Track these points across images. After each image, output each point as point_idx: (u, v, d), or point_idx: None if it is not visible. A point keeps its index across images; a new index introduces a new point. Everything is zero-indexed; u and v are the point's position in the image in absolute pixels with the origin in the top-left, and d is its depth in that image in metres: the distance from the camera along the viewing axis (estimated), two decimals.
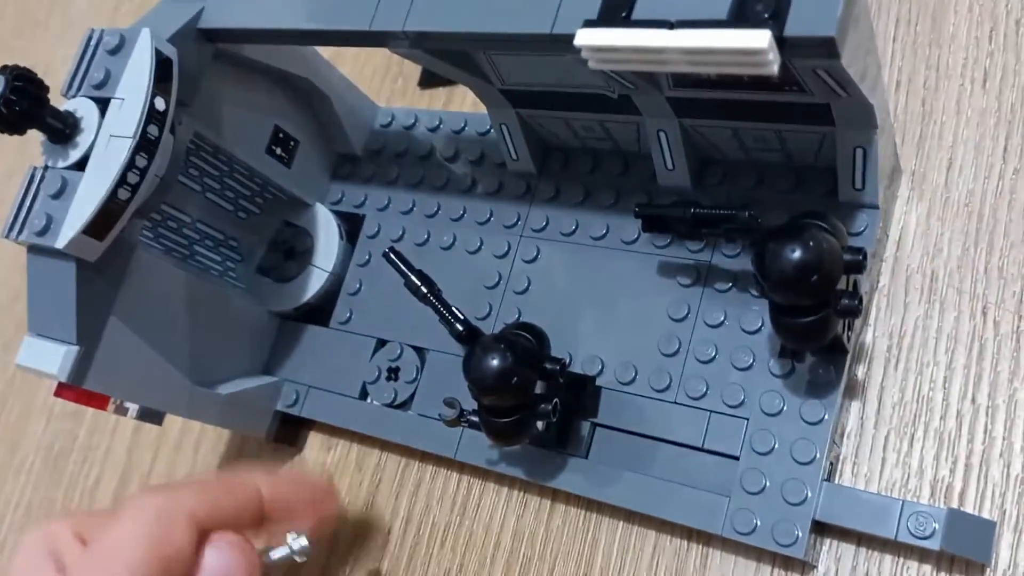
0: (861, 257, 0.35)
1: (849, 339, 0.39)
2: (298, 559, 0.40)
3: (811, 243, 0.34)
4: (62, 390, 0.41)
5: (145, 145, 0.40)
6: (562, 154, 0.50)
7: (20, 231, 0.40)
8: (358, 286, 0.53)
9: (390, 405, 0.49)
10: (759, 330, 0.42)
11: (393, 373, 0.50)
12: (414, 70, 0.61)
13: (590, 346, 0.45)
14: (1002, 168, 0.44)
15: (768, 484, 0.39)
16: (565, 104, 0.46)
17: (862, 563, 0.39)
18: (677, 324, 0.44)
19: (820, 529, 0.39)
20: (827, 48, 0.30)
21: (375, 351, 0.51)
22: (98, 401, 0.42)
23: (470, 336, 0.42)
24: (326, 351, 0.52)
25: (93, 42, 0.43)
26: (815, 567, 0.40)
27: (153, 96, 0.40)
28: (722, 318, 0.43)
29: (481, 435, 0.42)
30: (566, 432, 0.44)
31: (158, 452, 0.59)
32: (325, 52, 0.53)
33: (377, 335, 0.51)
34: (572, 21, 0.35)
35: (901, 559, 0.39)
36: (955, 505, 0.39)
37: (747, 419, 0.41)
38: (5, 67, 0.39)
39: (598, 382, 0.44)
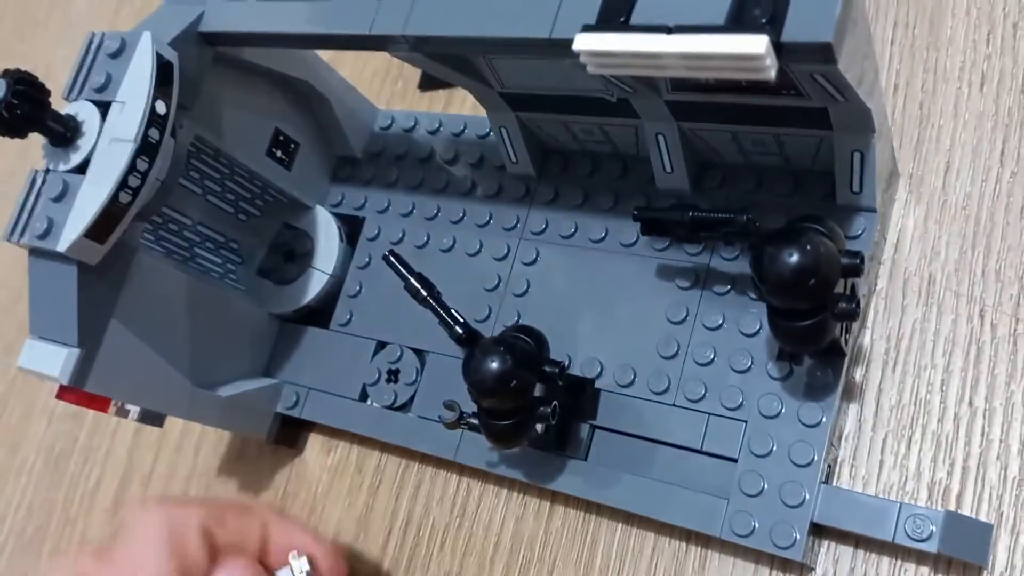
0: (859, 261, 0.35)
1: (847, 342, 0.40)
2: None
3: (808, 247, 0.34)
4: (63, 393, 0.41)
5: (146, 149, 0.40)
6: (561, 157, 0.50)
7: (21, 234, 0.41)
8: (358, 288, 0.53)
9: (390, 407, 0.49)
10: (757, 333, 0.42)
11: (393, 375, 0.50)
12: (414, 72, 0.61)
13: (589, 348, 0.45)
14: (999, 171, 0.44)
15: (766, 486, 0.39)
16: (564, 107, 0.46)
17: (860, 565, 0.39)
18: (676, 327, 0.44)
19: (818, 531, 0.40)
20: (824, 53, 0.31)
21: (375, 353, 0.51)
22: (99, 403, 0.42)
23: (470, 339, 0.42)
24: (326, 353, 0.52)
25: (94, 45, 0.43)
26: (813, 569, 0.40)
27: (154, 100, 0.40)
28: (720, 321, 0.43)
29: (481, 437, 0.42)
30: (565, 434, 0.44)
31: (159, 454, 0.59)
32: (325, 55, 0.53)
33: (377, 337, 0.51)
34: (571, 26, 0.35)
35: (899, 561, 0.39)
36: (952, 508, 0.39)
37: (745, 421, 0.41)
38: (7, 71, 0.39)
39: (597, 384, 0.44)
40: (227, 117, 0.49)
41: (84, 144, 0.41)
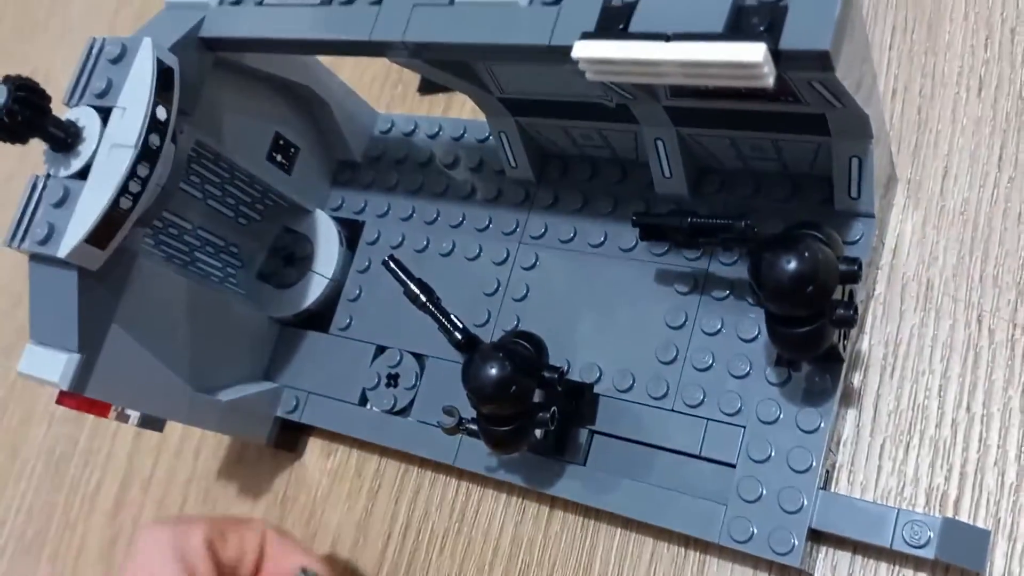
0: (856, 267, 0.35)
1: (845, 348, 0.40)
2: None
3: (806, 254, 0.34)
4: (64, 398, 0.41)
5: (147, 154, 0.40)
6: (560, 162, 0.50)
7: (22, 240, 0.41)
8: (358, 292, 0.53)
9: (389, 411, 0.49)
10: (756, 338, 0.42)
11: (393, 379, 0.50)
12: (413, 76, 0.62)
13: (588, 353, 0.46)
14: (997, 176, 0.44)
15: (764, 492, 0.39)
16: (563, 112, 0.46)
17: (858, 571, 0.40)
18: (675, 332, 0.44)
19: (816, 537, 0.40)
20: (821, 61, 0.31)
21: (375, 357, 0.51)
22: (99, 408, 0.42)
23: (469, 344, 0.42)
24: (326, 357, 0.52)
25: (95, 51, 0.43)
26: (811, 575, 0.40)
27: (155, 105, 0.40)
28: (719, 326, 0.43)
29: (480, 442, 0.42)
30: (564, 439, 0.44)
31: (159, 457, 0.59)
32: (325, 59, 0.53)
33: (377, 341, 0.51)
34: (570, 33, 0.35)
35: (896, 567, 0.39)
36: (950, 513, 0.39)
37: (744, 427, 0.41)
38: (7, 77, 0.39)
39: (596, 389, 0.45)
40: (227, 122, 0.49)
41: (85, 150, 0.41)
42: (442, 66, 0.43)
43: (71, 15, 0.83)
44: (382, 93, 0.62)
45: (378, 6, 0.40)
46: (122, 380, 0.43)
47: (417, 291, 0.43)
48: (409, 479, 0.50)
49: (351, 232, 0.55)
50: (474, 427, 0.41)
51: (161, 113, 0.41)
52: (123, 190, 0.39)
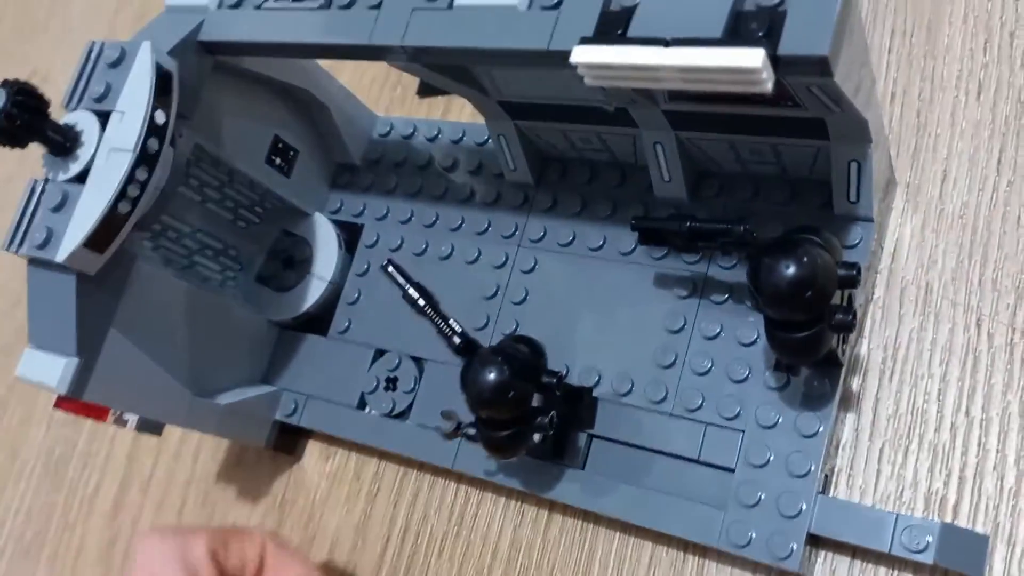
0: (855, 272, 0.35)
1: (844, 352, 0.40)
2: None
3: (805, 259, 0.34)
4: (62, 402, 0.41)
5: (145, 158, 0.40)
6: (559, 165, 0.50)
7: (21, 244, 0.41)
8: (357, 295, 0.53)
9: (388, 415, 0.49)
10: (755, 342, 0.42)
11: (391, 383, 0.50)
12: (413, 79, 0.61)
13: (587, 357, 0.46)
14: (996, 180, 0.44)
15: (763, 497, 0.39)
16: (562, 116, 0.46)
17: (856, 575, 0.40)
18: (673, 336, 0.44)
19: (815, 542, 0.40)
20: (820, 67, 0.31)
21: (373, 361, 0.51)
22: (97, 413, 0.42)
23: (467, 349, 0.42)
24: (325, 360, 0.52)
25: (94, 55, 0.43)
26: None
27: (153, 109, 0.40)
28: (718, 330, 0.43)
29: (479, 446, 0.42)
30: (563, 443, 0.44)
31: (158, 459, 0.59)
32: (324, 62, 0.53)
33: (375, 345, 0.51)
34: (569, 37, 0.35)
35: (895, 572, 0.39)
36: (949, 518, 0.39)
37: (743, 431, 0.41)
38: (6, 82, 0.39)
39: (595, 393, 0.45)
40: (226, 125, 0.49)
41: (83, 154, 0.41)
42: (441, 70, 0.43)
43: (71, 16, 0.83)
44: (381, 95, 0.62)
45: (377, 10, 0.40)
46: (120, 384, 0.43)
47: (415, 295, 0.43)
48: (408, 482, 0.50)
49: (350, 235, 0.55)
50: (473, 432, 0.41)
51: (160, 117, 0.41)
52: (121, 194, 0.39)
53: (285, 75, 0.50)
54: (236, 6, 0.44)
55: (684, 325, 0.44)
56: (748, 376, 0.42)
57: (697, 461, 0.42)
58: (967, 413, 0.40)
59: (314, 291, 0.53)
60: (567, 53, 0.34)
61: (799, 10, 0.31)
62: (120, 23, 0.78)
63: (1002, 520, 0.38)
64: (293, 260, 0.54)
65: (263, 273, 0.54)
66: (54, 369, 0.41)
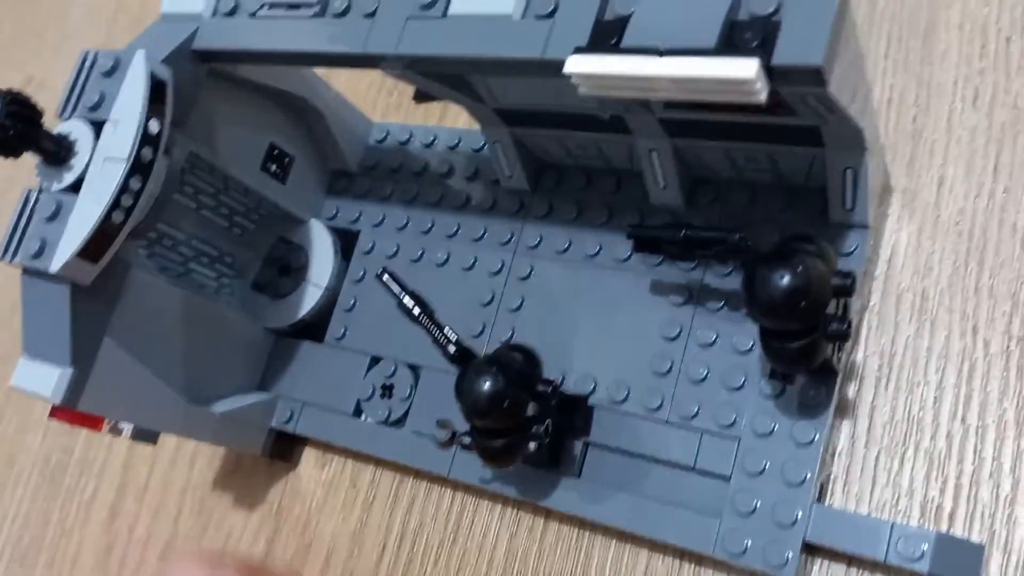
0: (850, 282, 0.35)
1: (839, 360, 0.40)
2: None
3: (799, 269, 0.34)
4: (56, 412, 0.41)
5: (139, 168, 0.40)
6: (555, 171, 0.50)
7: (15, 254, 0.41)
8: (353, 302, 0.53)
9: (384, 422, 0.49)
10: (750, 350, 0.42)
11: (387, 390, 0.50)
12: (409, 84, 0.61)
13: (583, 364, 0.45)
14: (992, 187, 0.44)
15: (759, 505, 0.39)
16: (558, 123, 0.46)
17: None
18: (669, 343, 0.44)
19: (811, 550, 0.40)
20: (815, 77, 0.31)
21: (369, 368, 0.51)
22: (92, 422, 0.42)
23: (463, 358, 0.42)
24: (321, 368, 0.52)
25: (88, 64, 0.43)
26: None
27: (147, 119, 0.40)
28: (714, 337, 0.43)
29: (474, 454, 0.42)
30: (559, 451, 0.44)
31: (154, 466, 0.59)
32: (319, 68, 0.53)
33: (371, 352, 0.51)
34: (563, 47, 0.35)
35: None
36: (945, 526, 0.39)
37: (738, 439, 0.41)
38: None
39: (591, 400, 0.44)
40: (221, 132, 0.49)
41: (77, 163, 0.41)
42: (436, 78, 0.43)
43: (68, 23, 0.83)
44: (377, 100, 0.62)
45: (371, 19, 0.40)
46: (115, 393, 0.43)
47: (411, 304, 0.43)
48: (404, 490, 0.50)
49: (346, 242, 0.54)
50: (468, 440, 0.41)
51: (154, 126, 0.40)
52: (115, 204, 0.39)
53: (280, 82, 0.50)
54: (231, 14, 0.44)
55: (680, 332, 0.44)
56: (744, 384, 0.42)
57: (693, 469, 0.42)
58: (963, 421, 0.40)
59: (310, 298, 0.53)
60: (561, 62, 0.34)
61: (793, 20, 0.31)
62: (117, 30, 0.78)
63: (998, 528, 0.38)
64: (289, 267, 0.54)
65: (259, 280, 0.54)
66: (48, 379, 0.40)
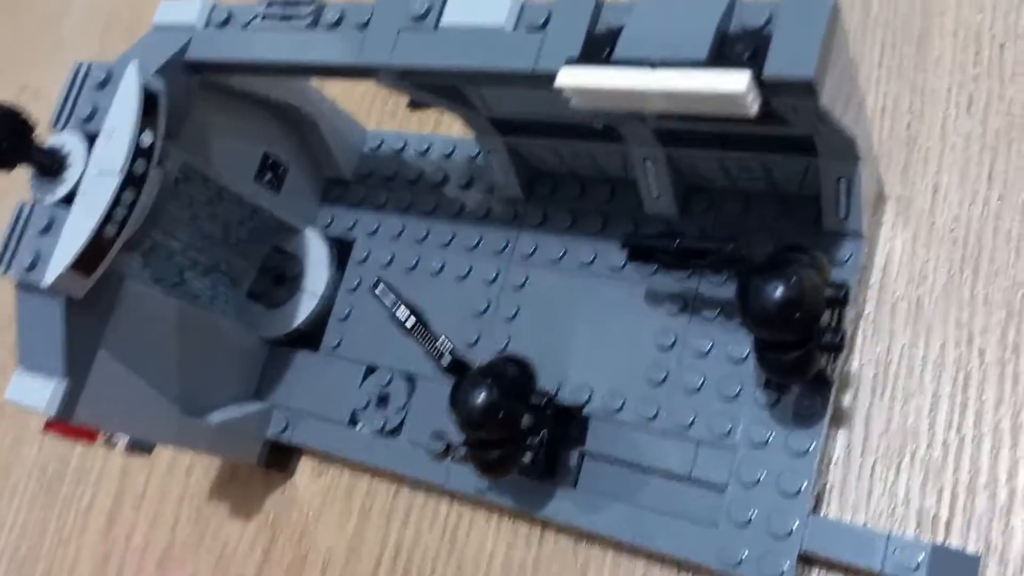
0: (843, 293, 0.35)
1: (834, 370, 0.39)
2: None
3: (792, 280, 0.34)
4: (51, 425, 0.41)
5: (132, 181, 0.40)
6: (550, 179, 0.50)
7: (8, 267, 0.41)
8: (348, 311, 0.53)
9: (380, 432, 0.49)
10: (746, 359, 0.42)
11: (383, 400, 0.50)
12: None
13: (579, 373, 0.45)
14: (987, 194, 0.44)
15: (755, 516, 0.39)
16: (552, 132, 0.46)
17: None
18: (665, 352, 0.44)
19: (807, 560, 0.39)
20: (806, 89, 0.31)
21: (365, 377, 0.51)
22: (87, 435, 0.42)
23: (457, 369, 0.42)
24: (316, 377, 0.52)
25: (80, 76, 0.43)
26: None
27: (140, 131, 0.40)
28: (709, 346, 0.43)
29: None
30: (554, 462, 0.44)
31: (151, 475, 0.59)
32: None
33: (367, 361, 0.51)
34: (555, 58, 0.35)
35: None
36: (941, 535, 0.39)
37: (734, 449, 0.41)
38: None
39: (586, 410, 0.44)
40: (215, 143, 0.49)
41: (70, 176, 0.41)
42: (429, 88, 0.43)
43: (63, 32, 0.83)
44: (372, 108, 0.62)
45: (364, 30, 0.40)
46: (110, 406, 0.43)
47: (405, 316, 0.43)
48: (400, 499, 0.50)
49: (341, 250, 0.54)
50: (463, 452, 0.41)
51: (147, 139, 0.40)
52: (108, 217, 0.39)
53: (274, 91, 0.50)
54: (223, 25, 0.44)
55: (675, 341, 0.44)
56: (739, 393, 0.42)
57: (689, 479, 0.42)
58: (959, 430, 0.40)
59: (305, 307, 0.53)
60: (553, 74, 0.34)
61: (784, 32, 0.31)
62: (111, 39, 0.78)
63: (994, 538, 0.38)
64: (284, 276, 0.54)
65: (254, 289, 0.54)
66: (43, 392, 0.40)
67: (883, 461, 0.41)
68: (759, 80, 0.31)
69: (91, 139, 0.41)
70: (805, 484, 0.39)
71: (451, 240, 0.52)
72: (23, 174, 0.42)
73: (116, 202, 0.39)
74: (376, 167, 0.56)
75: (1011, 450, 0.39)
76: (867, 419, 0.42)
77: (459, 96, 0.44)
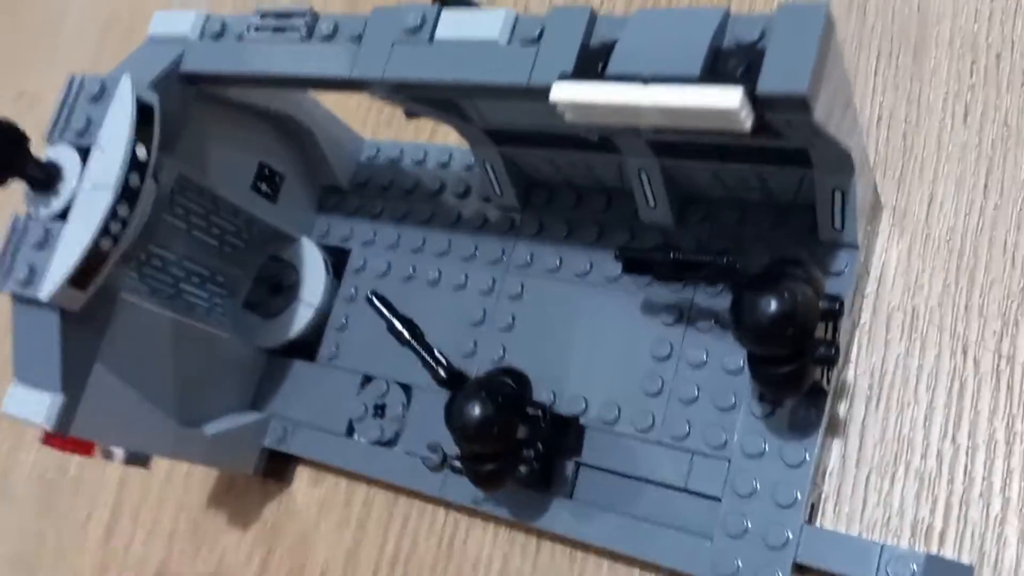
0: (837, 306, 0.35)
1: (829, 382, 0.39)
2: None
3: (786, 295, 0.34)
4: (48, 439, 0.41)
5: (126, 194, 0.40)
6: (546, 189, 0.50)
7: (4, 281, 0.41)
8: (344, 321, 0.53)
9: (376, 442, 0.49)
10: (741, 370, 0.42)
11: (379, 410, 0.50)
12: None
13: (574, 384, 0.45)
14: (983, 204, 0.44)
15: (750, 527, 0.39)
16: (547, 142, 0.46)
17: None
18: (660, 363, 0.44)
19: (801, 571, 0.39)
20: (800, 105, 0.31)
21: (361, 387, 0.51)
22: (84, 448, 0.42)
23: (453, 381, 0.42)
24: (312, 387, 0.52)
25: (75, 88, 0.43)
26: None
27: (134, 145, 0.40)
28: (704, 357, 0.43)
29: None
30: (550, 472, 0.44)
31: (149, 485, 0.59)
32: None
33: (363, 371, 0.51)
34: (549, 73, 0.35)
35: None
36: (935, 546, 0.39)
37: (729, 460, 0.41)
38: None
39: (582, 420, 0.44)
40: (210, 154, 0.49)
41: (65, 190, 0.41)
42: (424, 101, 0.43)
43: (60, 37, 0.83)
44: (368, 117, 0.62)
45: (358, 43, 0.40)
46: (106, 418, 0.43)
47: (400, 328, 0.43)
48: (398, 509, 0.50)
49: (337, 259, 0.54)
50: (459, 464, 0.41)
51: (141, 152, 0.40)
52: (103, 232, 0.39)
53: (269, 101, 0.50)
54: (218, 37, 0.44)
55: (671, 352, 0.44)
56: (734, 404, 0.42)
57: (684, 490, 0.42)
58: (953, 440, 0.40)
59: (301, 317, 0.53)
60: (547, 88, 0.34)
61: (777, 47, 0.31)
62: (107, 48, 0.78)
63: (988, 548, 0.38)
64: (280, 286, 0.54)
65: (250, 299, 0.54)
66: (40, 406, 0.41)
67: (878, 471, 0.41)
68: (752, 96, 0.31)
69: (85, 153, 0.41)
70: (800, 495, 0.39)
71: (447, 249, 0.52)
72: (17, 187, 0.42)
73: (111, 216, 0.39)
74: (372, 176, 0.56)
75: (1005, 460, 0.39)
76: (862, 429, 0.42)
77: (454, 108, 0.44)
